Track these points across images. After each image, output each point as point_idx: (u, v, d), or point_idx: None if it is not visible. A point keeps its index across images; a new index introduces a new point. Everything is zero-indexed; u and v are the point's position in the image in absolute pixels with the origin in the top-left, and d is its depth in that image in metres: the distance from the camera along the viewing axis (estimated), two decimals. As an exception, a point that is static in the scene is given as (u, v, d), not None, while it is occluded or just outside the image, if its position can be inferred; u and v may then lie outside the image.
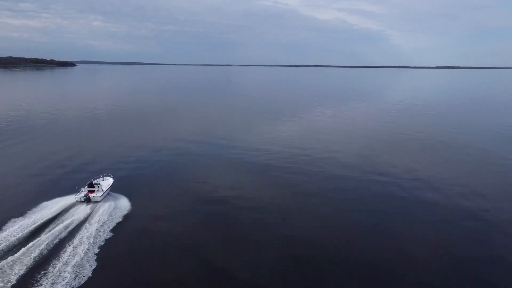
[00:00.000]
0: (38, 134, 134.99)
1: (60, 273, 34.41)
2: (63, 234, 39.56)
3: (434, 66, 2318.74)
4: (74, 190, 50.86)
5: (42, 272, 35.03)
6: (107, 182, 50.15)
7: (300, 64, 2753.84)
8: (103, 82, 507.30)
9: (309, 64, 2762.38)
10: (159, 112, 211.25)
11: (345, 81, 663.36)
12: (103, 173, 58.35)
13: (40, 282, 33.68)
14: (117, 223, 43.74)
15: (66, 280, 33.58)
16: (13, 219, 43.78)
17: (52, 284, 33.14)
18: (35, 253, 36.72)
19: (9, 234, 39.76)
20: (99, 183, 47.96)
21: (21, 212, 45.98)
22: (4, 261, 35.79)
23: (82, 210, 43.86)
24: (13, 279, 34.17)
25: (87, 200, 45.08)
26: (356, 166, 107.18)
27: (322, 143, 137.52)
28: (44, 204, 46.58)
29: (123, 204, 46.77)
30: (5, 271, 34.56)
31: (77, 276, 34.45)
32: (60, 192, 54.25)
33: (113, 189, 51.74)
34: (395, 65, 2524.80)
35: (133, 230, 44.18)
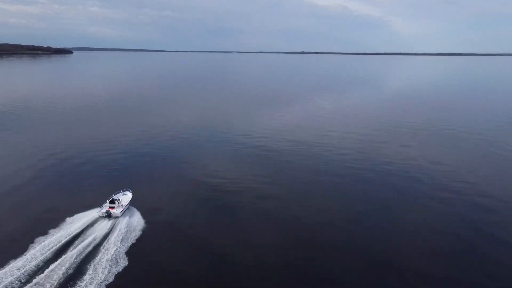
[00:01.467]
0: (36, 125, 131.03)
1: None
2: (88, 250, 42.16)
3: (435, 53, 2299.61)
4: (85, 201, 55.13)
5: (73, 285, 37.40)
6: (126, 197, 52.19)
7: (300, 51, 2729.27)
8: (101, 70, 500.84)
9: (309, 51, 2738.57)
10: (158, 100, 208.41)
11: (345, 69, 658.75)
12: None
13: None
14: (137, 238, 46.45)
15: None
16: (40, 237, 45.48)
17: None
18: (63, 269, 39.08)
19: (40, 250, 42.27)
20: (119, 199, 50.24)
21: (49, 226, 48.11)
22: (38, 277, 37.92)
23: (104, 226, 46.20)
24: None
25: (108, 216, 47.31)
26: (355, 153, 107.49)
27: (321, 130, 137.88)
28: (69, 219, 48.88)
29: (139, 219, 49.48)
30: (42, 284, 36.73)
31: None
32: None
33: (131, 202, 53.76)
34: (396, 52, 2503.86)
35: (151, 242, 46.81)
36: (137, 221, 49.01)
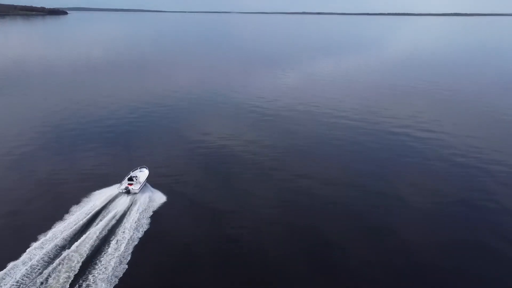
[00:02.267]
0: (35, 91, 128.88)
1: (109, 260, 39.52)
2: (111, 224, 44.70)
3: (441, 13, 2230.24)
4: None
5: (97, 259, 39.81)
6: (143, 174, 54.25)
7: (301, 11, 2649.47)
8: (98, 32, 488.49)
9: (311, 11, 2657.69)
10: (158, 63, 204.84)
11: (347, 31, 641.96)
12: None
13: (96, 268, 38.77)
14: (154, 212, 48.66)
15: (112, 266, 38.88)
16: (65, 214, 47.80)
17: (105, 268, 38.56)
18: (91, 242, 41.59)
19: (68, 224, 44.84)
20: (137, 176, 52.64)
21: (75, 202, 50.48)
22: (67, 250, 40.52)
23: (124, 202, 48.64)
24: (76, 266, 38.76)
25: (128, 192, 49.67)
26: (355, 116, 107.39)
27: (322, 94, 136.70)
28: (90, 196, 51.35)
29: (157, 195, 51.84)
30: (70, 257, 39.53)
31: (121, 263, 39.57)
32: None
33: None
34: (400, 12, 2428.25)
35: (167, 216, 48.99)
36: (153, 196, 51.27)
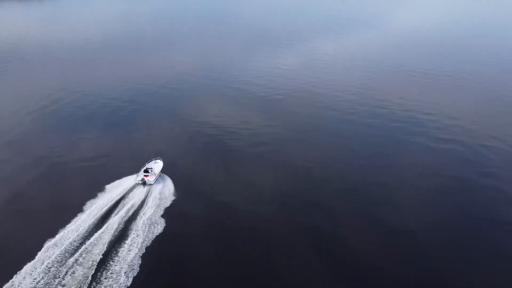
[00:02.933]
0: (37, 69, 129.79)
1: (129, 250, 41.62)
2: (129, 214, 46.72)
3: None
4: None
5: (117, 249, 41.81)
6: (158, 165, 56.12)
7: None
8: (96, 12, 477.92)
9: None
10: (158, 44, 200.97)
11: (348, 8, 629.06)
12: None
13: (117, 257, 40.80)
14: (169, 202, 50.72)
15: (131, 256, 40.94)
16: (87, 202, 49.76)
17: (125, 257, 40.72)
18: (111, 232, 43.49)
19: (89, 215, 46.75)
20: (152, 167, 54.56)
21: (93, 194, 51.70)
22: (89, 240, 42.27)
23: (140, 192, 50.79)
24: (97, 258, 40.43)
25: (144, 183, 51.86)
26: (355, 97, 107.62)
27: (321, 74, 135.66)
28: (108, 187, 52.92)
29: (171, 186, 53.93)
30: (90, 250, 41.13)
31: (139, 253, 41.49)
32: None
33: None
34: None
35: (181, 205, 50.88)
36: (167, 187, 53.39)
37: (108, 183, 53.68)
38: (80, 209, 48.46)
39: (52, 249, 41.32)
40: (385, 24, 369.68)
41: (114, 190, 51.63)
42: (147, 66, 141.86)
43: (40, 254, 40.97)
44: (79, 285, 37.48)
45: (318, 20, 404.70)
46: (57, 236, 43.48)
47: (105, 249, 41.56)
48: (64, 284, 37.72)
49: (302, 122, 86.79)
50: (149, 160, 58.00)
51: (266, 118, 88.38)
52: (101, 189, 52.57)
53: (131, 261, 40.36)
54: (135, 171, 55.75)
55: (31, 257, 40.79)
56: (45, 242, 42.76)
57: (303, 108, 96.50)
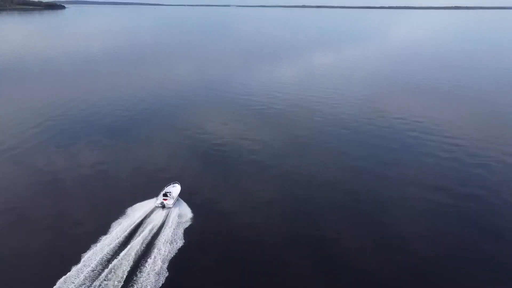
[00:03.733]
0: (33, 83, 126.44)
1: (152, 270, 43.52)
2: (150, 236, 48.66)
3: (442, 6, 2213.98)
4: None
5: (140, 270, 43.60)
6: (176, 189, 57.97)
7: (301, 5, 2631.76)
8: (98, 27, 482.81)
9: (311, 4, 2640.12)
10: (157, 58, 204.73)
11: (347, 24, 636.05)
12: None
13: (140, 277, 42.56)
14: (187, 225, 52.43)
15: (153, 274, 42.99)
16: (112, 224, 51.48)
17: (147, 277, 42.55)
18: (134, 252, 45.44)
19: (113, 236, 48.55)
20: (171, 191, 56.53)
21: (117, 215, 53.58)
22: (115, 260, 44.23)
23: (159, 215, 52.66)
24: (123, 275, 42.40)
25: (163, 206, 54.00)
26: (355, 110, 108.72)
27: (321, 87, 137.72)
28: (130, 209, 54.65)
29: (188, 209, 55.61)
30: (115, 271, 42.89)
31: (159, 273, 43.35)
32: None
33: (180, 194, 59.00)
34: (401, 5, 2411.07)
35: (197, 227, 52.48)
36: (184, 210, 55.57)
37: (130, 205, 55.54)
38: (106, 230, 50.30)
39: (82, 268, 43.48)
40: (383, 38, 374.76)
41: (136, 212, 53.90)
42: (153, 80, 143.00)
43: (68, 274, 42.63)
44: None
45: (317, 34, 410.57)
46: (86, 255, 45.45)
47: (129, 268, 43.59)
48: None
49: (295, 132, 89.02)
50: (167, 184, 59.79)
51: (276, 134, 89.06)
52: (123, 211, 54.35)
53: (155, 279, 42.61)
54: (154, 194, 57.53)
55: (60, 275, 42.52)
56: (72, 263, 44.29)
57: (301, 120, 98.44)
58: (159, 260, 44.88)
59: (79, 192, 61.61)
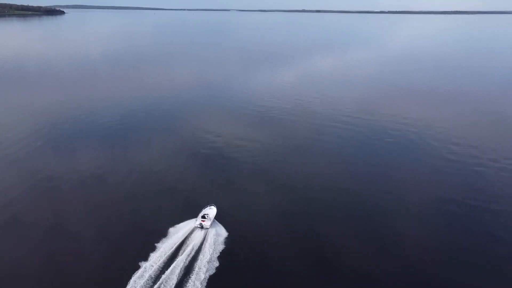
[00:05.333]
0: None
1: (194, 284, 47.45)
2: (192, 254, 52.77)
3: (441, 11, 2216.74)
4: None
5: (185, 283, 47.39)
6: (212, 211, 62.19)
7: (300, 9, 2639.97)
8: (96, 31, 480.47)
9: (310, 9, 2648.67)
10: (158, 64, 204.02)
11: (347, 29, 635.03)
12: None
13: None
14: (222, 244, 55.60)
15: None
16: (156, 244, 54.44)
17: None
18: (178, 270, 49.47)
19: (160, 254, 52.58)
20: (208, 213, 61.00)
21: (161, 235, 56.56)
22: (164, 275, 48.14)
23: (199, 235, 56.85)
24: None
25: (201, 227, 58.44)
26: (355, 115, 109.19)
27: (321, 92, 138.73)
28: (173, 229, 58.52)
29: (223, 230, 59.20)
30: (166, 283, 47.00)
31: (202, 284, 47.50)
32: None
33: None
34: (400, 10, 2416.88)
35: (233, 247, 55.29)
36: (221, 231, 59.26)
37: (172, 225, 58.78)
38: (153, 248, 53.26)
39: (133, 284, 47.00)
40: (383, 42, 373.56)
41: (178, 232, 57.84)
42: (156, 86, 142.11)
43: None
44: None
45: (316, 38, 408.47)
46: (136, 274, 48.36)
47: (175, 283, 47.17)
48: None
49: (295, 137, 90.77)
50: (204, 206, 63.31)
51: (261, 133, 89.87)
52: (166, 231, 57.27)
53: None
54: (190, 215, 60.67)
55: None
56: (124, 281, 46.95)
57: (300, 125, 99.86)
58: (201, 276, 49.07)
59: (125, 214, 63.37)
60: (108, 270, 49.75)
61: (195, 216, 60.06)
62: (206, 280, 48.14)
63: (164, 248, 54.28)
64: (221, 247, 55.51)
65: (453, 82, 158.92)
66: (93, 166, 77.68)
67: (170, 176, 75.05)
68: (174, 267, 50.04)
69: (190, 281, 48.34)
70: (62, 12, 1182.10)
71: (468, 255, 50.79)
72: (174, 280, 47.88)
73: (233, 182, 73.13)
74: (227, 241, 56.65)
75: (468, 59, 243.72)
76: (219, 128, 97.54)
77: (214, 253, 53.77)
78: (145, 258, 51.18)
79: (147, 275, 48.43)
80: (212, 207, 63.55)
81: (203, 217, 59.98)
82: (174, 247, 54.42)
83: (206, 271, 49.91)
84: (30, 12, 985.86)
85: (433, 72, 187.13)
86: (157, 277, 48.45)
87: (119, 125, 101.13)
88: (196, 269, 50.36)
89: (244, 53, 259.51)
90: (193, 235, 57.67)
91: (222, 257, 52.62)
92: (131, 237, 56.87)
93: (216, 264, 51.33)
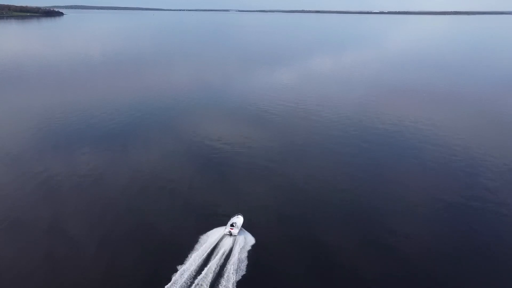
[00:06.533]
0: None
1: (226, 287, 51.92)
2: (223, 258, 57.41)
3: (441, 11, 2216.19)
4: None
5: (217, 285, 51.55)
6: (240, 220, 66.56)
7: (300, 10, 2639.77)
8: (95, 33, 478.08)
9: (310, 9, 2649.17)
10: (158, 65, 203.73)
11: (347, 29, 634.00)
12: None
13: None
14: (249, 250, 59.29)
15: None
16: (191, 251, 58.27)
17: None
18: (211, 272, 53.93)
19: (195, 257, 57.30)
20: (236, 222, 65.51)
21: (194, 241, 60.46)
22: (199, 276, 52.68)
23: (228, 242, 61.55)
24: None
25: (230, 234, 62.89)
26: (353, 116, 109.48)
27: (320, 93, 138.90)
28: (205, 236, 62.71)
29: (250, 237, 63.43)
30: (201, 285, 51.21)
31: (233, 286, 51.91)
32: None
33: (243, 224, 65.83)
34: (400, 10, 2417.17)
35: (260, 253, 58.85)
36: (248, 238, 63.53)
37: (204, 232, 62.62)
38: (186, 254, 56.93)
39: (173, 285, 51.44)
40: (382, 43, 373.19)
41: (210, 238, 62.44)
42: (163, 88, 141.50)
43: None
44: None
45: (315, 40, 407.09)
46: (174, 275, 52.57)
47: (209, 284, 51.40)
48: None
49: (294, 138, 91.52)
50: (232, 215, 67.23)
51: (260, 134, 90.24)
52: (197, 239, 60.92)
53: None
54: (218, 223, 64.48)
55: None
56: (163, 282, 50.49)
57: (299, 126, 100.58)
58: (231, 279, 53.48)
59: (160, 222, 66.28)
60: (148, 272, 54.01)
61: (223, 224, 64.35)
62: (236, 282, 52.76)
63: (198, 252, 59.41)
64: (248, 252, 60.05)
65: (452, 83, 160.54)
66: (112, 171, 79.35)
67: (191, 185, 77.28)
68: (208, 269, 55.11)
69: (222, 281, 53.55)
70: (61, 14, 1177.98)
71: (467, 256, 52.73)
72: (208, 281, 52.98)
73: (258, 192, 74.74)
74: (254, 246, 60.82)
75: (468, 60, 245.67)
76: (223, 133, 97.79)
77: (243, 257, 58.68)
78: (182, 262, 55.51)
79: (185, 276, 53.59)
80: (239, 216, 68.04)
81: (232, 225, 64.96)
82: (207, 252, 59.59)
83: (236, 274, 54.77)
84: (28, 14, 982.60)
85: (432, 73, 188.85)
86: (194, 277, 53.68)
87: (131, 127, 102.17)
88: (227, 271, 55.44)
89: (244, 53, 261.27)
90: (223, 241, 62.70)
91: (249, 260, 56.85)
92: (167, 244, 60.76)
93: (244, 267, 55.70)
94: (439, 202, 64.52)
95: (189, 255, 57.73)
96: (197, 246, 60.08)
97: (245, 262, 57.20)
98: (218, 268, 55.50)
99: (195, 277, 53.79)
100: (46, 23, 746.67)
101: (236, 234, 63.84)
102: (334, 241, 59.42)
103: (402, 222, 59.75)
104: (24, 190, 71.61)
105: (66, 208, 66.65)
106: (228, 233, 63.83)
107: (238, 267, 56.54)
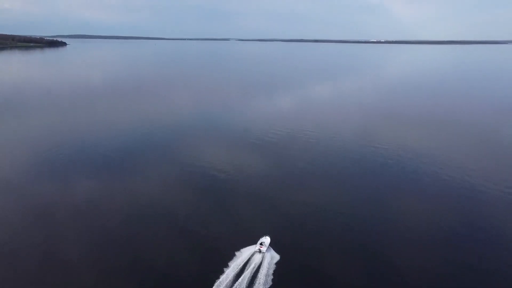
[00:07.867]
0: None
1: None
2: (253, 271, 68.01)
3: (437, 40, 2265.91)
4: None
5: None
6: (267, 240, 76.35)
7: (299, 39, 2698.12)
8: (97, 62, 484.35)
9: (308, 38, 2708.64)
10: (157, 89, 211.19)
11: (345, 58, 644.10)
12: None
13: None
14: (275, 267, 67.30)
15: None
16: (228, 264, 67.64)
17: None
18: (245, 282, 64.47)
19: (231, 270, 67.88)
20: (264, 241, 75.21)
21: (229, 257, 69.28)
22: (236, 283, 62.97)
23: (258, 258, 71.81)
24: None
25: (259, 252, 72.98)
26: (352, 142, 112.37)
27: (319, 120, 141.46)
28: (238, 252, 72.61)
29: (277, 256, 72.91)
30: None
31: None
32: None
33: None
34: (397, 39, 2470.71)
35: (284, 268, 66.40)
36: (275, 256, 73.19)
37: (237, 250, 71.57)
38: (225, 265, 66.17)
39: None
40: (379, 72, 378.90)
41: (242, 254, 72.86)
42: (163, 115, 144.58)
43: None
44: None
45: (314, 67, 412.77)
46: (216, 282, 62.03)
47: None
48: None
49: (294, 163, 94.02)
50: (261, 236, 76.40)
51: (259, 161, 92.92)
52: (232, 255, 69.82)
53: None
54: (254, 242, 73.12)
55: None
56: None
57: (299, 152, 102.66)
58: (261, 286, 64.17)
59: (197, 240, 74.05)
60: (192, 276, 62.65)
61: (253, 243, 73.34)
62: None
63: (233, 265, 70.21)
64: (274, 266, 69.85)
65: (449, 110, 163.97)
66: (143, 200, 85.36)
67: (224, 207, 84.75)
68: (242, 279, 65.86)
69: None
70: (64, 44, 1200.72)
71: (466, 280, 54.79)
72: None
73: (283, 214, 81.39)
74: (280, 263, 69.10)
75: (463, 87, 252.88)
76: (226, 161, 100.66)
77: (270, 270, 69.25)
78: (222, 272, 64.93)
79: (224, 284, 64.03)
80: (267, 236, 78.48)
81: (261, 244, 75.57)
82: (241, 265, 70.42)
83: (265, 284, 65.26)
84: (32, 44, 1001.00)
85: (428, 99, 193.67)
86: (231, 285, 64.09)
87: (132, 156, 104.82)
88: (257, 282, 66.00)
89: (244, 82, 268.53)
90: (254, 257, 73.26)
91: (275, 274, 65.60)
92: (206, 259, 69.21)
93: (271, 279, 65.09)
94: (439, 226, 66.77)
95: (227, 267, 67.84)
96: (233, 260, 69.91)
97: (272, 274, 67.41)
98: (250, 278, 66.39)
99: (232, 283, 64.75)
100: (50, 53, 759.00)
101: (264, 251, 74.49)
102: (339, 272, 63.37)
103: (401, 247, 62.40)
104: (22, 218, 73.89)
105: (73, 239, 68.93)
106: (258, 251, 74.48)
107: (266, 277, 67.52)
